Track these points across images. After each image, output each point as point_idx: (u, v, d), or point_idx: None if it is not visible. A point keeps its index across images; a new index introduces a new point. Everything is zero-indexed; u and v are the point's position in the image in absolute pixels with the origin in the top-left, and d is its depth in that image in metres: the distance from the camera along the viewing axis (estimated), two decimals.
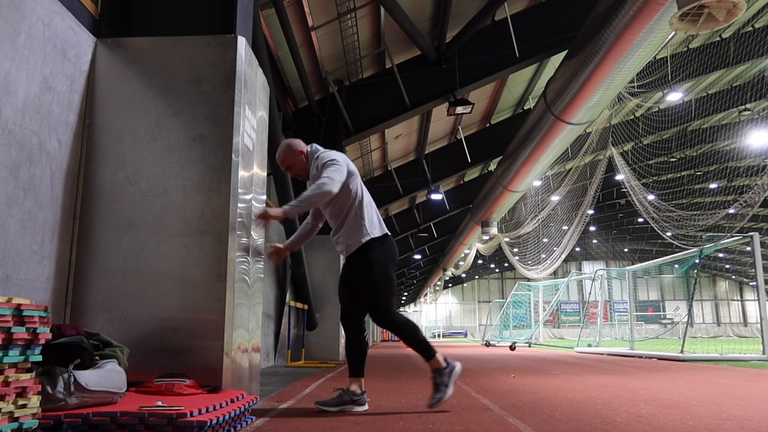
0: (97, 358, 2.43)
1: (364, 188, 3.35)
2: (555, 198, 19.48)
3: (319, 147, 3.36)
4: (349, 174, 3.21)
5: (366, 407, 3.17)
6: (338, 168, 3.13)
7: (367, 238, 3.19)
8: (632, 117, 17.62)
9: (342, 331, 9.91)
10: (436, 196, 15.20)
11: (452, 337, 51.11)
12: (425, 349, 3.17)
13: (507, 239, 22.55)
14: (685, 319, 12.01)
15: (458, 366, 3.22)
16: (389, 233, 3.31)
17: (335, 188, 3.07)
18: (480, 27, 9.01)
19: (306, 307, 8.87)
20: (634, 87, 12.79)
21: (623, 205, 34.35)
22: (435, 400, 3.12)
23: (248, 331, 3.44)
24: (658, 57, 12.67)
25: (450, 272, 29.44)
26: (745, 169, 21.83)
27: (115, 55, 3.36)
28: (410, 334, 3.16)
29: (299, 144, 3.34)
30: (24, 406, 1.76)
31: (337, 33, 8.36)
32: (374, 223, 3.26)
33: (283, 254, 3.40)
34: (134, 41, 3.38)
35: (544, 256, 24.49)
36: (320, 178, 3.08)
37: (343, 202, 3.23)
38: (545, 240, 24.15)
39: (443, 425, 2.62)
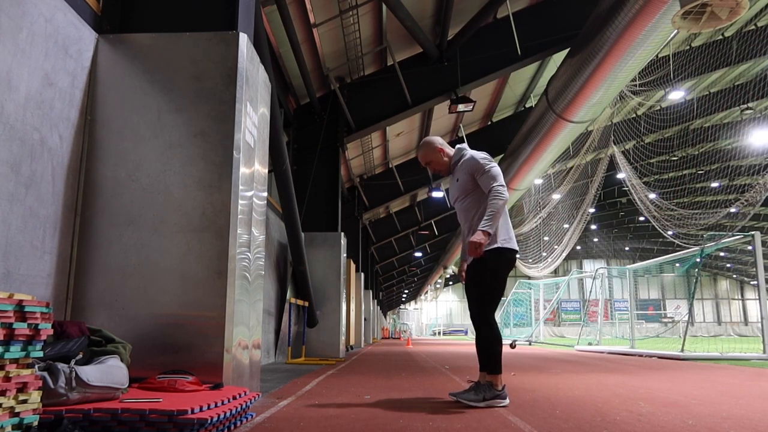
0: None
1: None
2: (556, 196, 19.47)
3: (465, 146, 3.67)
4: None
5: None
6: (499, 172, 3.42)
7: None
8: (634, 115, 17.60)
9: (342, 329, 9.90)
10: (438, 194, 15.19)
11: (453, 335, 51.13)
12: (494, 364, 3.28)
13: None
14: (686, 318, 12.01)
15: (506, 402, 3.24)
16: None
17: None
18: (482, 25, 9.00)
19: (307, 304, 8.87)
20: (636, 85, 12.78)
21: (624, 203, 34.40)
22: (462, 396, 3.25)
23: (249, 327, 3.44)
24: (660, 55, 12.65)
25: (451, 270, 29.44)
26: (746, 168, 21.82)
27: (117, 51, 3.36)
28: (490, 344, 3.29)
29: (437, 141, 3.66)
30: (25, 402, 1.76)
31: (339, 30, 8.35)
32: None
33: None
34: (136, 37, 3.38)
35: (545, 254, 24.50)
36: (492, 185, 3.31)
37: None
38: (546, 238, 24.15)
39: (443, 423, 2.62)
